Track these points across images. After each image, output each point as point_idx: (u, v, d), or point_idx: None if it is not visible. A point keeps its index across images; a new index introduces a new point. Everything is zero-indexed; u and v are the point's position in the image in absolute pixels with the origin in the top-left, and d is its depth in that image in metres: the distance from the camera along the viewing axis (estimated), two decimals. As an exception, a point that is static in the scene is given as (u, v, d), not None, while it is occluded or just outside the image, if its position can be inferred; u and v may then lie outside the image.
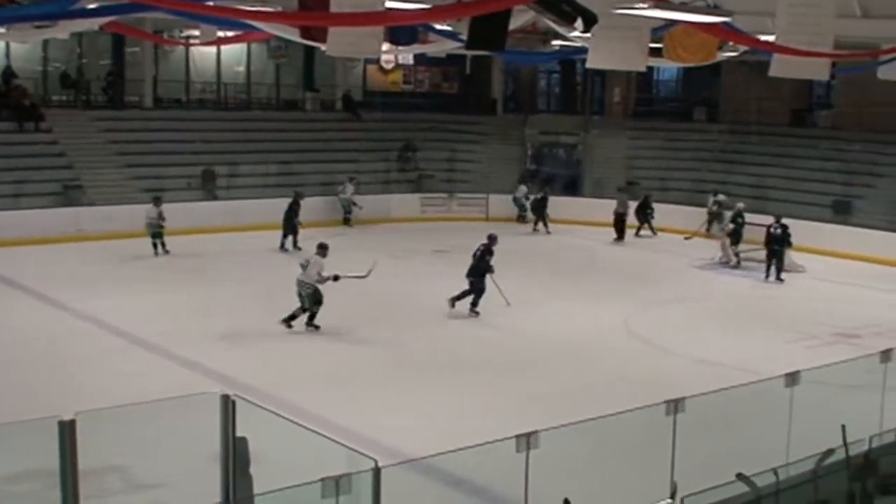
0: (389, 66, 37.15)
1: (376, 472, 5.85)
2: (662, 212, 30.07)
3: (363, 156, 33.49)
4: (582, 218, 31.18)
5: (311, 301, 17.53)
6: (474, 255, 19.49)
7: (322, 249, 17.85)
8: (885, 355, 11.11)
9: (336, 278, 17.50)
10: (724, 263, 25.34)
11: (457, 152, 35.31)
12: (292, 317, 17.50)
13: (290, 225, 25.71)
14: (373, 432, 11.88)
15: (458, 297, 19.09)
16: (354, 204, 30.05)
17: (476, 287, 19.19)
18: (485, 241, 19.64)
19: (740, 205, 26.01)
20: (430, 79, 39.32)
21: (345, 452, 7.10)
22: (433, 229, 29.68)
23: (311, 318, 17.58)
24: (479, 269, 19.26)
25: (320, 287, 17.52)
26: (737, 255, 25.30)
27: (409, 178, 33.64)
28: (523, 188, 31.99)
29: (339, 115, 35.77)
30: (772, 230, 23.70)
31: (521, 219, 31.58)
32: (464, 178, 34.05)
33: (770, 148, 32.47)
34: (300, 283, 17.57)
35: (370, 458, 6.21)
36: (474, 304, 19.19)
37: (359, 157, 33.30)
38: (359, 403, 13.64)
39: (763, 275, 23.85)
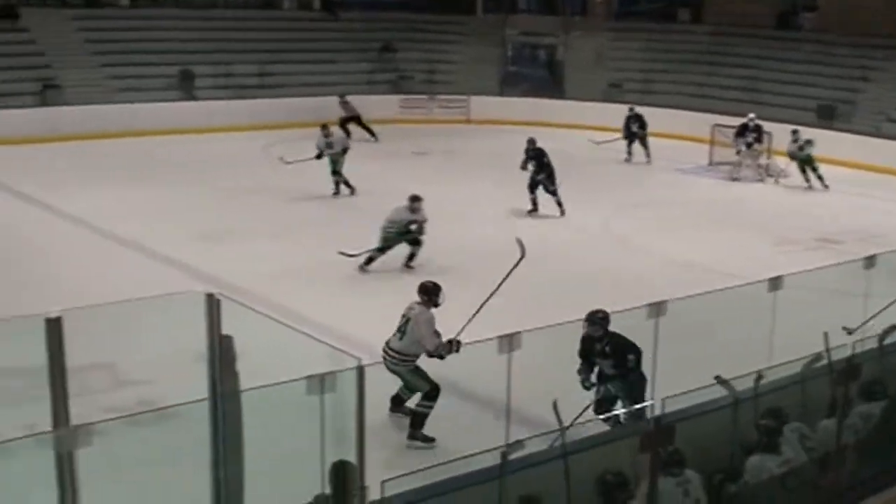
0: (368, -35, 36.47)
1: (360, 370, 5.80)
2: (646, 115, 29.19)
3: (341, 56, 33.00)
4: (564, 121, 30.47)
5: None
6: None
7: None
8: (869, 261, 11.06)
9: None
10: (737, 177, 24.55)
11: (436, 53, 34.81)
12: None
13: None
14: (353, 330, 11.85)
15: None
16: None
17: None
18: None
19: (751, 115, 25.08)
20: (410, -22, 38.59)
21: (328, 351, 7.06)
22: (413, 132, 29.42)
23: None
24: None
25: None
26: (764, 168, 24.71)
27: (389, 79, 33.25)
28: None
29: (316, 15, 35.14)
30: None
31: None
32: (444, 80, 33.66)
33: (754, 50, 32.11)
34: None
35: (354, 356, 6.17)
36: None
37: (337, 58, 32.85)
38: (339, 302, 13.65)
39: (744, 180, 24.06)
